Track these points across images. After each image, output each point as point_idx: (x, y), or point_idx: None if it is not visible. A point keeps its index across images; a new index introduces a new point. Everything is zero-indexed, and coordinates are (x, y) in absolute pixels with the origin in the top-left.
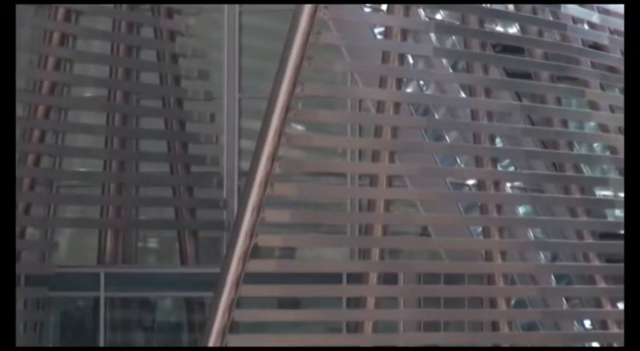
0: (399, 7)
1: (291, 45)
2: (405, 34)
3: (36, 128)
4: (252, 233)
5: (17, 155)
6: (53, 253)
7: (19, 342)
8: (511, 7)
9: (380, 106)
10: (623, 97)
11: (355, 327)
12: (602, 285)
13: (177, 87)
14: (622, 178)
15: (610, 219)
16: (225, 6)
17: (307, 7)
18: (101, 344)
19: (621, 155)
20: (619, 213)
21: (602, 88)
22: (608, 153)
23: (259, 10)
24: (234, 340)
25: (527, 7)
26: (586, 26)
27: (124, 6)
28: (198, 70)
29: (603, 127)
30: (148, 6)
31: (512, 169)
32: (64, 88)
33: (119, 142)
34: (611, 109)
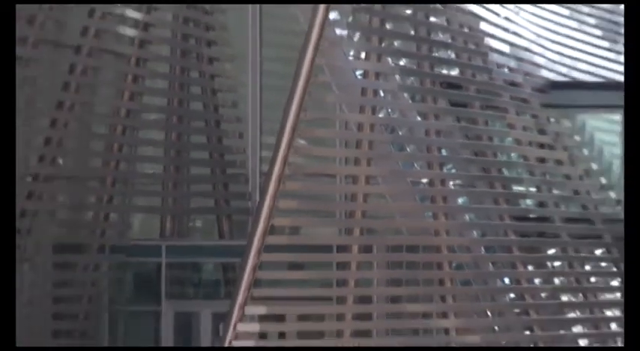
0: (374, 56)
1: (297, 83)
2: (377, 75)
3: (116, 142)
4: (269, 216)
5: (101, 162)
6: (129, 230)
7: (103, 297)
8: (453, 55)
9: (360, 126)
10: (533, 120)
11: (343, 282)
12: (517, 253)
13: (216, 113)
14: (531, 177)
15: (522, 207)
16: (250, 54)
17: (308, 57)
18: (163, 296)
19: (531, 162)
20: (529, 202)
21: (517, 114)
22: (521, 160)
23: (276, 58)
24: (257, 292)
25: (465, 55)
26: (506, 70)
27: (178, 54)
28: (231, 101)
29: (518, 142)
30: (194, 54)
31: (453, 171)
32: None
33: (175, 152)
34: (524, 128)
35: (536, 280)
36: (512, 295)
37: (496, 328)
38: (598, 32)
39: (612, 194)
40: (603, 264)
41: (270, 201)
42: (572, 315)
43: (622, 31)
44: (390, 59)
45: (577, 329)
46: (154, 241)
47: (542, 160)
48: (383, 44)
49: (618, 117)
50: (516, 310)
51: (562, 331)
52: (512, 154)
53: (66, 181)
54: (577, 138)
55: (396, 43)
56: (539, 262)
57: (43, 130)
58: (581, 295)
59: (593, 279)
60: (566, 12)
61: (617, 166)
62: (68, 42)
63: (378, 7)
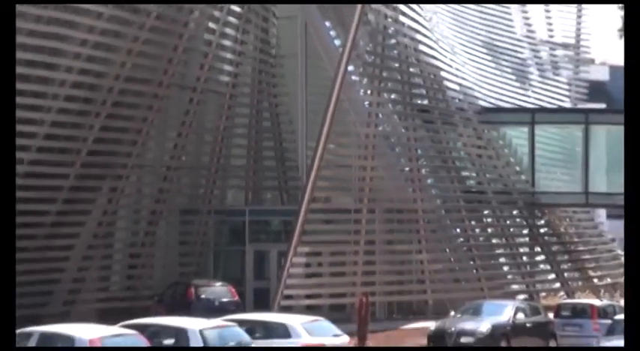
0: (375, 92)
1: (329, 109)
2: (377, 104)
3: (217, 146)
4: (312, 191)
5: (209, 158)
6: (225, 200)
7: (210, 242)
8: (424, 91)
9: (367, 136)
10: (473, 131)
11: (357, 231)
12: (464, 213)
13: (278, 127)
14: (473, 166)
15: (467, 184)
16: (299, 91)
17: (335, 93)
18: (246, 241)
19: (473, 157)
20: (472, 182)
21: (464, 127)
22: (466, 156)
23: (316, 93)
24: (305, 238)
25: (431, 92)
26: (457, 100)
27: (255, 92)
28: (288, 120)
29: (464, 144)
30: (265, 92)
31: (424, 163)
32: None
33: (254, 152)
34: (468, 136)
35: (477, 230)
36: (461, 239)
37: (452, 259)
38: (513, 77)
39: (523, 177)
40: (517, 219)
41: (312, 181)
42: (499, 251)
43: (530, 76)
44: (385, 94)
45: (502, 260)
46: (241, 206)
47: (479, 156)
48: (381, 85)
49: (526, 129)
50: (464, 248)
51: (492, 261)
52: (461, 152)
53: (187, 170)
54: (501, 142)
55: (389, 85)
56: (478, 218)
57: (173, 139)
58: (504, 239)
59: (511, 229)
60: (492, 65)
61: (526, 159)
62: (188, 84)
63: (378, 62)
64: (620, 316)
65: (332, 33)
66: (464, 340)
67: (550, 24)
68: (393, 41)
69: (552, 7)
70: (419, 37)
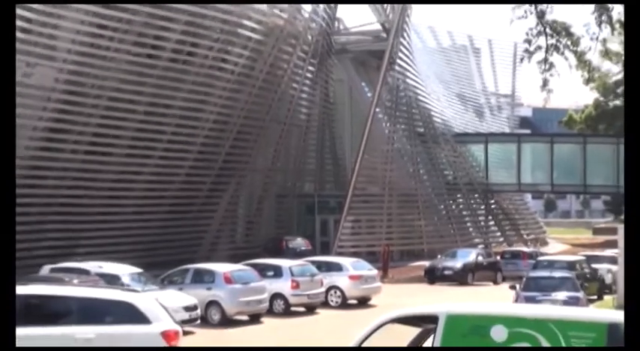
0: (391, 124)
1: (364, 133)
2: (393, 131)
3: (297, 154)
4: (355, 183)
5: (292, 163)
6: (302, 189)
7: (294, 213)
8: (420, 123)
9: (387, 150)
10: (451, 146)
11: (381, 201)
12: (446, 196)
13: (334, 146)
14: (450, 167)
15: (447, 178)
16: (346, 126)
17: (369, 124)
18: (316, 213)
19: (450, 161)
20: (450, 177)
21: (445, 144)
22: (447, 161)
23: (356, 123)
24: (351, 212)
25: (426, 124)
26: (440, 128)
27: (322, 124)
28: (340, 137)
29: (445, 155)
30: (327, 126)
31: (421, 165)
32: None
33: (319, 157)
34: (447, 150)
35: (453, 206)
36: (444, 212)
37: (438, 224)
38: (474, 114)
39: (480, 174)
40: (478, 200)
41: (355, 177)
42: (467, 219)
43: (484, 114)
44: (398, 125)
45: (469, 224)
46: (312, 193)
47: (454, 162)
48: (395, 120)
49: (482, 146)
50: (446, 217)
51: (463, 225)
52: (444, 160)
53: (280, 171)
54: (467, 153)
55: (400, 119)
56: (454, 199)
57: (271, 153)
58: (470, 211)
59: (474, 206)
60: (462, 107)
61: (482, 164)
62: (280, 120)
63: (393, 106)
64: (541, 258)
65: (366, 89)
66: (446, 272)
67: (496, 81)
68: (402, 94)
69: (498, 70)
70: (418, 91)
